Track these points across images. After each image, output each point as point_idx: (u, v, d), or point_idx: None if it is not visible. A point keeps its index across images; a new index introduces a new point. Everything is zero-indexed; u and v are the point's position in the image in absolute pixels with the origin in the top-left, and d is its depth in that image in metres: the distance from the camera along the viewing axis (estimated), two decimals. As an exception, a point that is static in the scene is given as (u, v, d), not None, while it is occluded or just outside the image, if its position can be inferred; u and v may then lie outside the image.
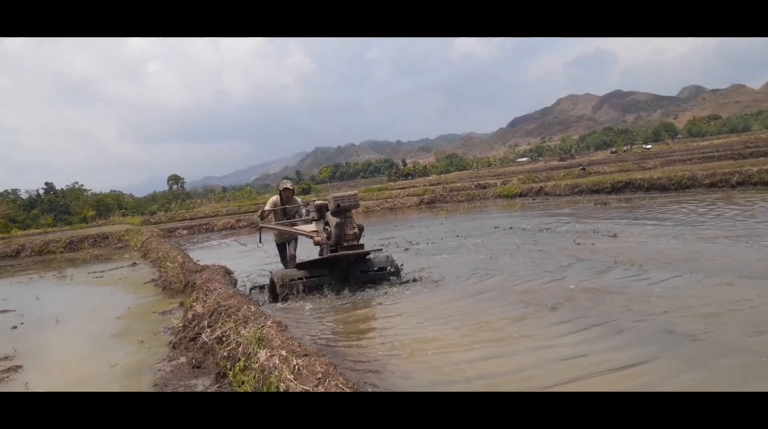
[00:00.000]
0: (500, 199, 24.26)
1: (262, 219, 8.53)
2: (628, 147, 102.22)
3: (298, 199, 8.86)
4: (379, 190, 42.61)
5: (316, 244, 7.39)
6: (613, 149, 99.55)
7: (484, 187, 28.39)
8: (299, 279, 6.91)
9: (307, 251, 8.78)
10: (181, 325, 5.97)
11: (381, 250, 7.54)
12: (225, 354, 4.09)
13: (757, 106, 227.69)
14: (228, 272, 8.72)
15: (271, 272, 7.79)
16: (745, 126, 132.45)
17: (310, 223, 7.83)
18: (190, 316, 5.88)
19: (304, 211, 8.46)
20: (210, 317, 5.28)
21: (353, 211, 7.04)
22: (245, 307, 5.03)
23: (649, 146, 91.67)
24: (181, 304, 7.25)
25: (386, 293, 6.81)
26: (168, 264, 10.51)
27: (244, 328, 4.30)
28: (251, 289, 8.01)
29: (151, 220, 36.78)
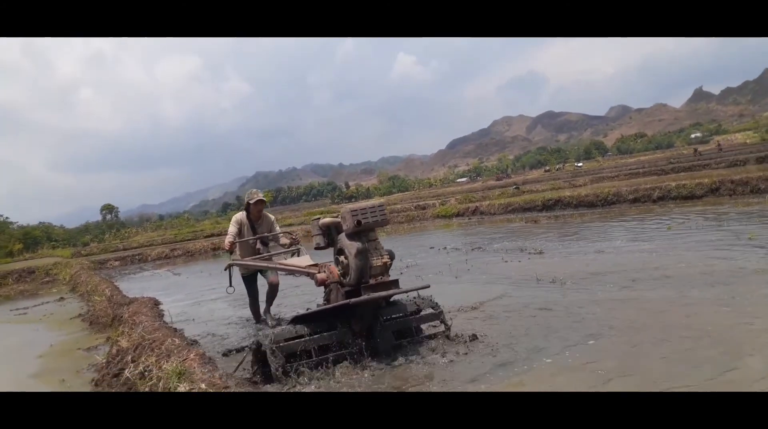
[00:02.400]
0: (438, 219, 24.66)
1: (231, 252, 6.32)
2: (561, 165, 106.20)
3: (271, 215, 6.78)
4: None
5: (321, 284, 4.78)
6: (547, 168, 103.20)
7: (424, 208, 28.78)
8: (301, 341, 4.40)
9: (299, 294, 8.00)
10: (105, 361, 5.78)
11: (428, 286, 4.71)
12: (146, 389, 4.01)
13: (679, 124, 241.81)
14: (156, 304, 8.50)
15: (257, 334, 5.90)
16: (669, 143, 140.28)
17: (297, 254, 6.15)
18: (114, 351, 5.71)
19: (279, 231, 6.65)
20: (134, 352, 5.15)
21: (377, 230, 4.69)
22: (169, 340, 4.95)
23: (580, 164, 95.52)
24: (108, 338, 7.02)
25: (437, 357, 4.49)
26: (96, 297, 10.14)
27: (167, 361, 4.23)
28: (225, 354, 5.58)
29: (82, 251, 35.33)
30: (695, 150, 58.47)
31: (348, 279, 4.47)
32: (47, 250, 43.56)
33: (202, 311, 8.75)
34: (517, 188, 32.90)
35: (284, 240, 6.55)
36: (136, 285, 14.72)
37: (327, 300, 4.92)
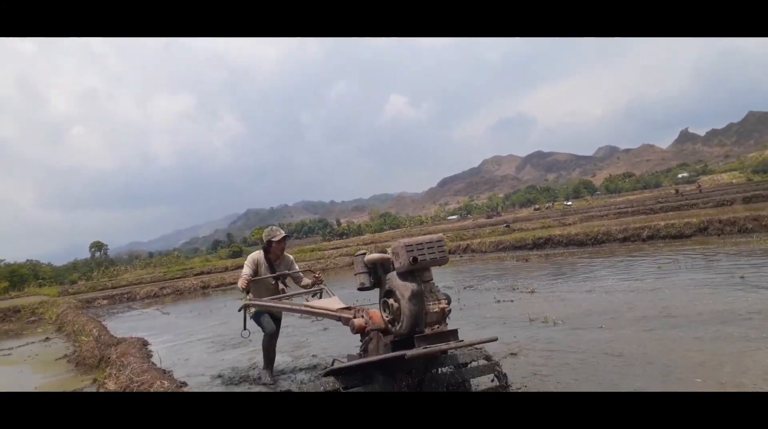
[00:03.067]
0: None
1: (247, 292, 5.82)
2: (551, 204, 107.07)
3: (290, 255, 6.25)
4: (312, 250, 42.38)
5: (358, 331, 4.12)
6: (536, 206, 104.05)
7: (415, 247, 28.76)
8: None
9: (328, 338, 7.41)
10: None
11: (496, 339, 3.92)
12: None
13: (666, 164, 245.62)
14: (145, 344, 8.37)
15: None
16: (657, 182, 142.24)
17: (319, 295, 5.72)
18: (101, 393, 5.59)
19: (300, 274, 6.17)
20: (122, 394, 5.05)
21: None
22: (158, 382, 4.86)
23: (569, 203, 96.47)
24: (94, 380, 6.87)
25: None
26: (83, 338, 9.96)
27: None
28: None
29: (70, 290, 34.84)
30: (676, 190, 59.34)
31: (398, 327, 3.77)
32: (34, 288, 42.93)
33: (192, 352, 8.61)
34: (508, 226, 33.05)
35: (306, 280, 6.02)
36: (124, 324, 14.49)
37: (364, 350, 4.13)
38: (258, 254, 6.03)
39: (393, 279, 3.83)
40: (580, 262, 13.90)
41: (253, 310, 5.86)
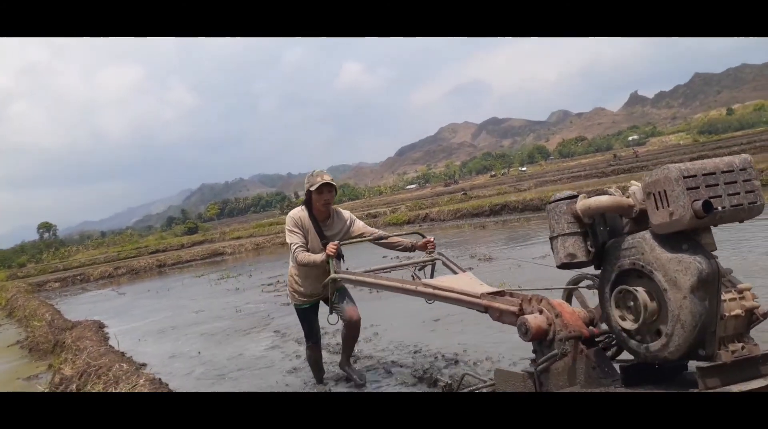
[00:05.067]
0: (390, 227, 24.74)
1: (307, 263, 3.99)
2: (506, 170, 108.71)
3: (346, 212, 4.49)
4: (270, 224, 42.01)
5: (536, 337, 2.41)
6: (493, 173, 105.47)
7: (375, 216, 28.84)
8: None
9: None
10: (47, 390, 5.52)
11: None
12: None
13: (617, 127, 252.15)
14: (101, 327, 8.20)
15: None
16: (608, 145, 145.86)
17: (431, 271, 3.98)
18: (57, 380, 5.46)
19: (379, 232, 4.43)
20: (79, 380, 4.95)
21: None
22: (117, 365, 4.78)
23: (524, 168, 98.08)
24: (50, 366, 6.71)
25: None
26: (35, 323, 9.68)
27: (116, 388, 4.09)
28: None
29: (19, 273, 33.72)
30: (614, 155, 61.12)
31: (658, 344, 2.08)
32: (-21, 273, 41.34)
33: (150, 332, 8.49)
34: (465, 194, 33.44)
35: (403, 240, 4.23)
36: (78, 307, 14.13)
37: (545, 370, 2.40)
38: (300, 212, 4.14)
39: (644, 246, 2.15)
40: (536, 227, 14.22)
41: (300, 300, 4.29)
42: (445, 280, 3.27)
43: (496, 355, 4.49)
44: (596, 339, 2.47)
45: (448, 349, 4.93)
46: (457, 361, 4.57)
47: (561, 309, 2.43)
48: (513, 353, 4.46)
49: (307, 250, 3.98)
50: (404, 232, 4.51)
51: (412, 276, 3.74)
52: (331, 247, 3.78)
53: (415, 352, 5.07)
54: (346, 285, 4.27)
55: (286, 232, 4.10)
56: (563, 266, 2.53)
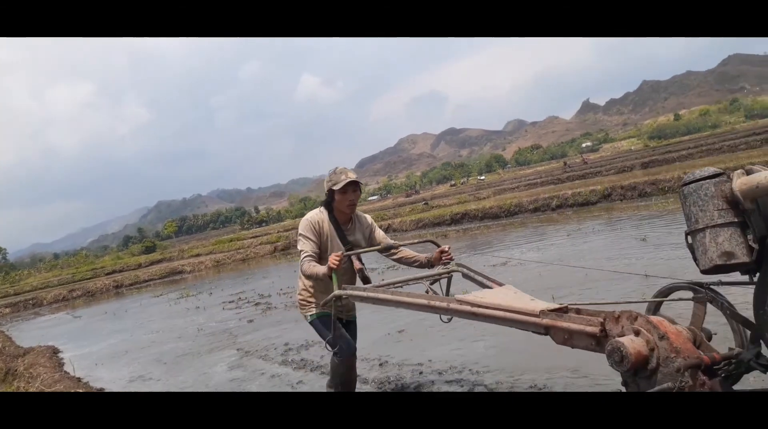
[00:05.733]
0: (352, 239, 24.70)
1: (310, 275, 3.42)
2: (465, 179, 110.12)
3: (367, 215, 3.92)
4: (231, 240, 41.34)
5: (637, 365, 1.82)
6: (452, 182, 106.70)
7: (336, 229, 28.75)
8: None
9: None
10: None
11: None
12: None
13: (571, 134, 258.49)
14: (56, 352, 7.88)
15: None
16: (563, 153, 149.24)
17: (447, 284, 3.51)
18: (8, 411, 5.21)
19: (392, 242, 3.75)
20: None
21: None
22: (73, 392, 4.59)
23: (483, 177, 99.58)
24: (0, 397, 6.40)
25: None
26: (-17, 352, 9.23)
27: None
28: None
29: (-35, 300, 32.12)
30: (565, 163, 62.59)
31: None
32: None
33: (107, 356, 8.20)
34: (426, 204, 33.64)
35: (418, 256, 3.69)
36: (31, 333, 13.55)
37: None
38: (319, 214, 3.58)
39: None
40: (495, 234, 14.40)
41: (314, 310, 3.64)
42: (484, 295, 2.59)
43: (460, 365, 4.50)
44: (716, 367, 1.97)
45: (413, 360, 4.91)
46: (422, 372, 4.56)
47: (664, 328, 1.84)
48: (480, 364, 4.49)
49: (320, 260, 3.42)
50: (415, 241, 4.05)
51: (426, 291, 3.14)
52: (333, 258, 3.10)
53: (380, 365, 5.03)
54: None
55: (299, 237, 3.52)
56: (714, 270, 1.95)
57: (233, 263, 25.39)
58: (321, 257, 3.46)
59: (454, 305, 2.49)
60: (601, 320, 1.93)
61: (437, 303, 2.58)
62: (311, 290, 3.65)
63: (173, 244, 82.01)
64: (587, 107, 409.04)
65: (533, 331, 2.16)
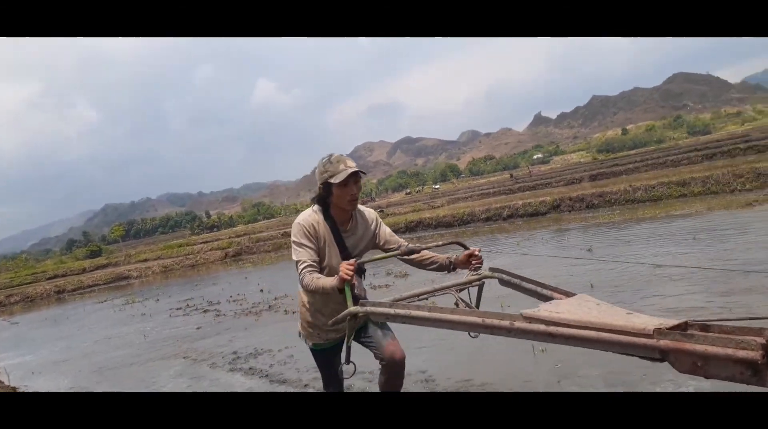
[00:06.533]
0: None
1: (315, 290, 2.72)
2: (421, 188, 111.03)
3: (371, 212, 3.18)
4: (180, 245, 40.37)
5: None
6: (408, 190, 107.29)
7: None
8: None
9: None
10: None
11: None
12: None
13: (523, 146, 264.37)
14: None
15: None
16: (515, 164, 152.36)
17: (477, 292, 2.85)
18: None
19: (406, 243, 3.12)
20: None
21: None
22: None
23: (437, 186, 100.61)
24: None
25: None
26: None
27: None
28: None
29: None
30: (510, 175, 64.05)
31: None
32: None
33: (45, 365, 7.86)
34: (382, 211, 33.72)
35: (437, 256, 3.05)
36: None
37: None
38: (313, 215, 2.91)
39: None
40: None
41: (316, 339, 3.04)
42: (558, 309, 1.90)
43: (424, 374, 4.51)
44: None
45: (368, 367, 4.89)
46: (371, 381, 4.54)
47: None
48: (444, 372, 4.51)
49: (321, 270, 2.83)
50: (440, 243, 3.01)
51: (456, 303, 2.62)
52: (345, 267, 2.50)
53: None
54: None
55: (293, 245, 2.88)
56: None
57: (182, 269, 24.80)
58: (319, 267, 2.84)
59: (520, 324, 1.83)
60: (764, 342, 1.38)
61: (495, 322, 1.91)
62: (313, 310, 2.98)
63: (120, 248, 79.44)
64: (539, 120, 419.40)
65: (641, 357, 1.63)
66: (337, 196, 2.80)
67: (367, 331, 2.94)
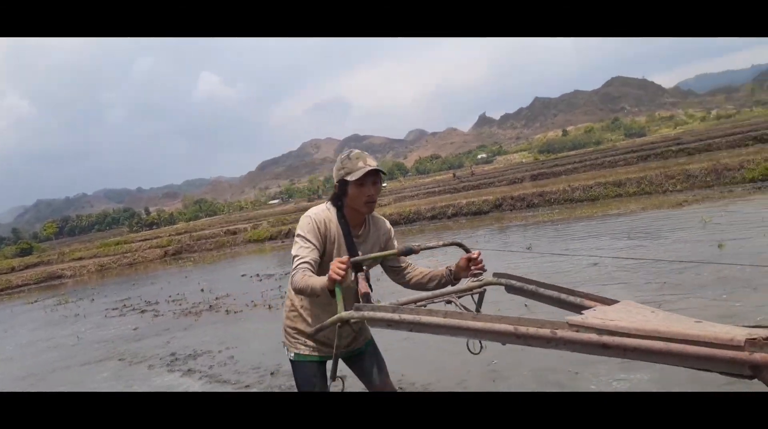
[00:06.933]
0: (251, 244, 24.12)
1: (302, 289, 2.26)
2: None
3: (385, 220, 2.80)
4: (117, 243, 38.95)
5: None
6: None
7: (234, 233, 27.96)
8: None
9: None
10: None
11: None
12: None
13: (468, 146, 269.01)
14: None
15: None
16: (460, 163, 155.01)
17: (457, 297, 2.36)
18: None
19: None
20: None
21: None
22: None
23: (385, 184, 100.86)
24: None
25: None
26: None
27: None
28: None
29: None
30: (453, 175, 65.31)
31: None
32: None
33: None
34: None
35: (435, 271, 2.67)
36: None
37: None
38: (326, 212, 2.56)
39: None
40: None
41: (300, 348, 2.59)
42: (606, 315, 1.63)
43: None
44: None
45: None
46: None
47: None
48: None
49: (316, 271, 2.38)
50: (440, 244, 2.50)
51: (456, 307, 2.34)
52: (336, 266, 2.06)
53: (272, 374, 4.93)
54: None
55: (296, 238, 2.48)
56: None
57: (119, 268, 23.95)
58: (322, 268, 2.40)
59: (565, 333, 1.52)
60: None
61: (532, 331, 1.56)
62: (305, 314, 2.55)
63: (53, 246, 75.94)
64: (483, 121, 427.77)
65: (723, 372, 1.35)
66: (352, 196, 2.49)
67: (362, 359, 2.67)
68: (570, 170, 28.06)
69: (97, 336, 8.30)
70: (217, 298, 9.80)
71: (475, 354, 2.14)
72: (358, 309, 1.98)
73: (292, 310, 2.59)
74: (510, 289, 2.27)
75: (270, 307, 8.10)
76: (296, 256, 2.38)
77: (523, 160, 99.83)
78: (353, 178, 2.40)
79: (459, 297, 2.36)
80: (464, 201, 18.84)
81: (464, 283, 2.42)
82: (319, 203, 2.61)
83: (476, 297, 2.44)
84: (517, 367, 3.99)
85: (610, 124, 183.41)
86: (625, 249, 7.67)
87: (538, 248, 8.92)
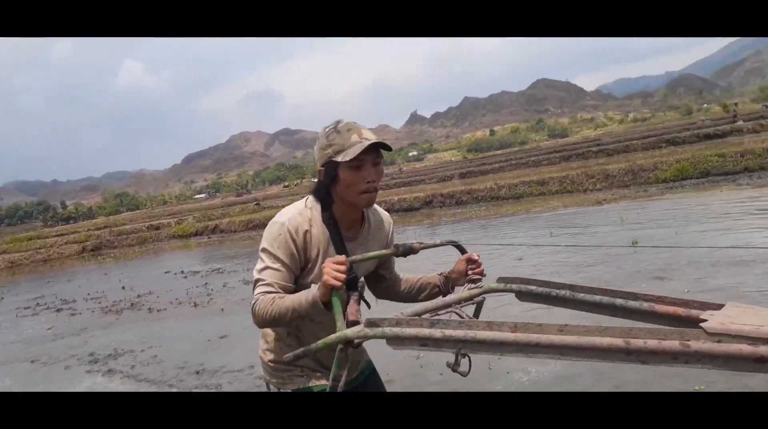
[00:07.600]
0: (175, 239, 23.36)
1: (276, 319, 1.62)
2: (299, 181, 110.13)
3: (384, 214, 2.00)
4: (30, 239, 36.67)
5: None
6: (286, 184, 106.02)
7: (158, 228, 26.98)
8: None
9: None
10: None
11: None
12: None
13: (399, 143, 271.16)
14: None
15: None
16: (392, 160, 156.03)
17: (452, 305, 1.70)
18: None
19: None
20: None
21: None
22: None
23: (316, 180, 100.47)
24: None
25: None
26: None
27: None
28: None
29: None
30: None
31: None
32: None
33: None
34: (258, 205, 33.00)
35: (428, 279, 2.08)
36: None
37: None
38: (304, 215, 1.78)
39: None
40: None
41: (299, 383, 1.86)
42: (741, 320, 1.11)
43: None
44: None
45: (234, 366, 4.78)
46: (242, 380, 4.45)
47: None
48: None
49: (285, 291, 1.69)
50: (437, 243, 1.92)
51: (460, 314, 1.86)
52: (333, 268, 1.50)
53: (197, 372, 4.81)
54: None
55: (260, 254, 1.74)
56: None
57: (32, 264, 22.59)
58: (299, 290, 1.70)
59: (701, 345, 1.04)
60: None
61: (652, 344, 1.08)
62: (285, 337, 1.86)
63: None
64: (415, 118, 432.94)
65: None
66: (345, 184, 1.72)
67: (366, 388, 2.01)
68: (497, 169, 28.89)
69: (7, 337, 7.80)
70: (139, 296, 9.44)
71: (464, 376, 1.50)
72: (373, 324, 1.45)
73: (277, 340, 1.89)
74: (522, 295, 1.75)
75: (195, 305, 7.90)
76: (258, 280, 1.71)
77: (453, 159, 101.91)
78: (347, 158, 1.67)
79: (461, 307, 1.81)
80: (396, 198, 19.04)
81: (458, 290, 1.94)
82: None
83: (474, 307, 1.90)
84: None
85: (535, 124, 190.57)
86: (548, 245, 8.00)
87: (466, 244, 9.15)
